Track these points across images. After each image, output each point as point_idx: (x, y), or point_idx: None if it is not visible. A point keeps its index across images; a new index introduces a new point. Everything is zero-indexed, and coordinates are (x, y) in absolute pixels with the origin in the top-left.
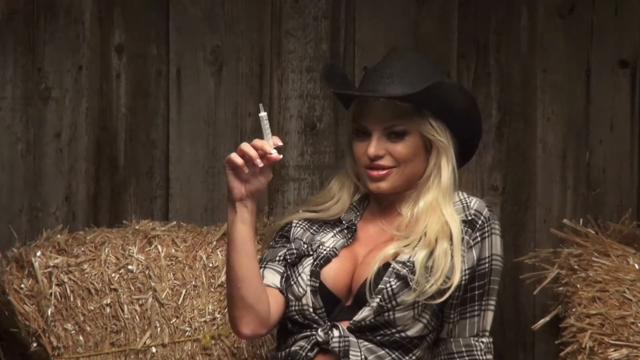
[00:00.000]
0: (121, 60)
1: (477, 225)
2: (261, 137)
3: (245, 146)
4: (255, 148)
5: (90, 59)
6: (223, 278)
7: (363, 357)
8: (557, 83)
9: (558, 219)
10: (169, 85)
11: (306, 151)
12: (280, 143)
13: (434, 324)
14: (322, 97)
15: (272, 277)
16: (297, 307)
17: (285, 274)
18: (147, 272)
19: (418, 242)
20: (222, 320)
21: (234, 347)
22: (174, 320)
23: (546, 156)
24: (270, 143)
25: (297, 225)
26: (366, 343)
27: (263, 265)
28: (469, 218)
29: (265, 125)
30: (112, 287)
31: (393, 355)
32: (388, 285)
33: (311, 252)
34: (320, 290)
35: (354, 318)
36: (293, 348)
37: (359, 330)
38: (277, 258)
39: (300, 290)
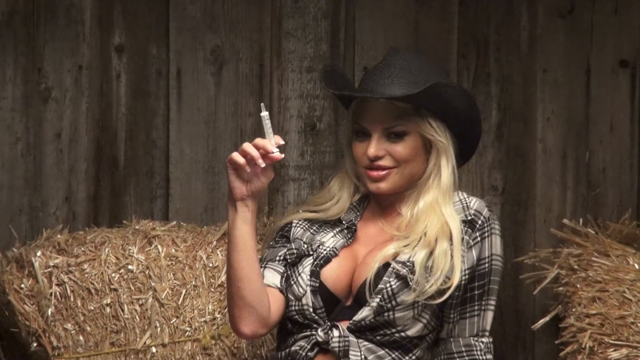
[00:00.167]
0: (121, 60)
1: (477, 225)
2: (262, 136)
3: (247, 146)
4: (257, 147)
5: (90, 59)
6: (223, 278)
7: (363, 357)
8: (557, 83)
9: (558, 219)
10: (169, 85)
11: (306, 151)
12: (282, 142)
13: (433, 324)
14: (322, 97)
15: (272, 277)
16: (297, 307)
17: (285, 274)
18: (147, 272)
19: (418, 242)
20: (222, 320)
21: (234, 347)
22: (174, 320)
23: (546, 156)
24: (272, 142)
25: (297, 225)
26: (366, 343)
27: (263, 265)
28: (469, 218)
29: (267, 124)
30: (112, 287)
31: (393, 355)
32: (388, 285)
33: (311, 252)
34: (320, 290)
35: (354, 318)
36: (293, 348)
37: (359, 330)
38: (277, 258)
39: (300, 290)
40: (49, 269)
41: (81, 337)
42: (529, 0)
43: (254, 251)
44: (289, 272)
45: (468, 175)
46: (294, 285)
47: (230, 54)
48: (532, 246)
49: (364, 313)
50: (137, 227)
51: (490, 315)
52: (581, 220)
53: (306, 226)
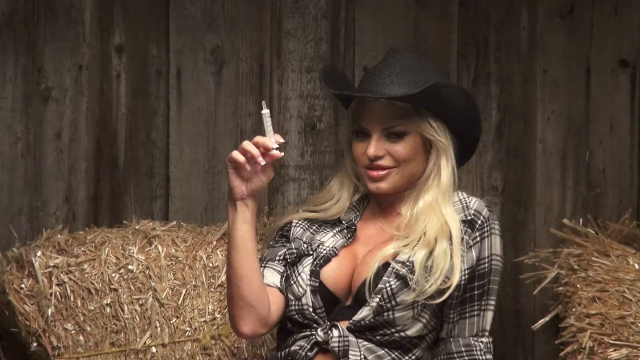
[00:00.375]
0: (121, 60)
1: (477, 225)
2: (262, 134)
3: (247, 144)
4: (257, 145)
5: (90, 59)
6: (223, 278)
7: (362, 356)
8: (557, 83)
9: (558, 219)
10: (169, 85)
11: (306, 151)
12: (281, 140)
13: (433, 324)
14: (322, 97)
15: (272, 277)
16: (297, 307)
17: (285, 274)
18: (147, 272)
19: (418, 242)
20: (222, 320)
21: (234, 347)
22: (174, 320)
23: (546, 156)
24: (272, 140)
25: (297, 225)
26: (365, 343)
27: (263, 265)
28: (469, 218)
29: (268, 122)
30: (112, 287)
31: (392, 355)
32: (387, 285)
33: (311, 252)
34: (320, 290)
35: (353, 318)
36: (293, 348)
37: (359, 330)
38: (277, 257)
39: (300, 290)
40: (49, 269)
41: (81, 337)
42: (529, 0)
43: (254, 251)
44: (288, 272)
45: (468, 175)
46: (294, 285)
47: (230, 53)
48: (532, 246)
49: (364, 313)
50: (137, 227)
51: (490, 315)
52: (581, 220)
53: (306, 226)
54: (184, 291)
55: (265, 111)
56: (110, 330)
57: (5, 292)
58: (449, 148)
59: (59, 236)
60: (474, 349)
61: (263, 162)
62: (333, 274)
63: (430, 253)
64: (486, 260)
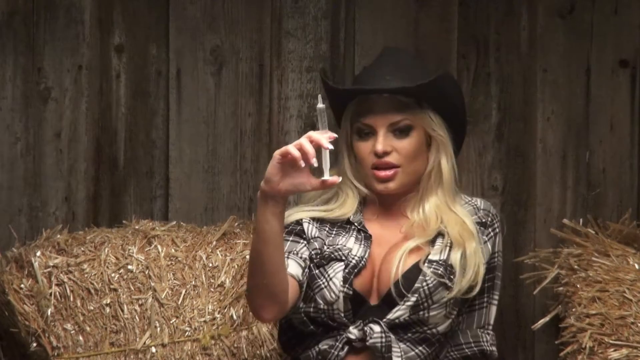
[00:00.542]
0: (121, 60)
1: (488, 222)
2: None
3: (305, 142)
4: (311, 141)
5: (90, 59)
6: (223, 278)
7: (402, 353)
8: (557, 83)
9: (558, 219)
10: (169, 85)
11: None
12: (335, 135)
13: (456, 320)
14: (322, 97)
15: (296, 268)
16: (328, 312)
17: (306, 270)
18: (147, 272)
19: (437, 238)
20: (221, 320)
21: (234, 347)
22: (173, 320)
23: (546, 156)
24: (326, 136)
25: (309, 223)
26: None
27: (285, 256)
28: (483, 220)
29: (324, 118)
30: (112, 287)
31: (416, 350)
32: (424, 284)
33: (343, 258)
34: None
35: (388, 316)
36: (322, 347)
37: (391, 328)
38: (300, 253)
39: (333, 295)
40: (49, 269)
41: (81, 337)
42: (529, 0)
43: (282, 244)
44: (315, 273)
45: (468, 175)
46: (325, 290)
47: (230, 54)
48: (532, 246)
49: (399, 312)
50: (136, 227)
51: (494, 310)
52: (581, 220)
53: (318, 226)
54: (183, 291)
55: (321, 106)
56: (110, 331)
57: (4, 292)
58: (448, 142)
59: (58, 236)
60: (481, 339)
61: (316, 164)
62: (359, 277)
63: (461, 252)
64: (496, 255)
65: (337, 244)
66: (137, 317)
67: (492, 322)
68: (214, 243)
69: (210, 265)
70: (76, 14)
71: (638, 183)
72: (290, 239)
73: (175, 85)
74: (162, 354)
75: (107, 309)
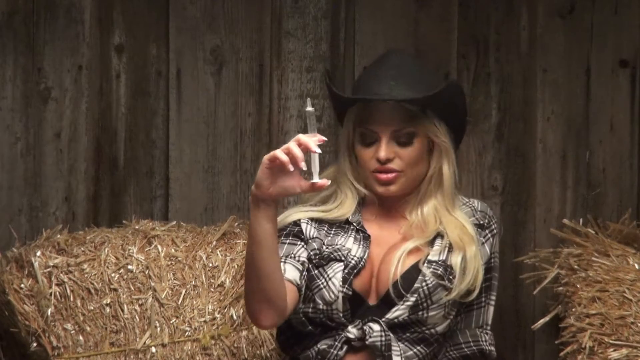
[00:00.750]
0: (121, 60)
1: (485, 224)
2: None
3: (294, 146)
4: (299, 144)
5: (90, 59)
6: (223, 278)
7: (402, 352)
8: (557, 83)
9: (558, 219)
10: (169, 85)
11: None
12: (324, 138)
13: (453, 320)
14: (322, 97)
15: (293, 273)
16: (327, 312)
17: (304, 272)
18: (147, 272)
19: (435, 239)
20: (221, 320)
21: (234, 347)
22: (173, 320)
23: (546, 156)
24: (314, 139)
25: (307, 223)
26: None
27: (283, 260)
28: (481, 222)
29: (313, 122)
30: (112, 287)
31: (414, 350)
32: (424, 284)
33: (342, 259)
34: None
35: (387, 316)
36: (321, 347)
37: (390, 328)
38: (298, 256)
39: (332, 295)
40: (49, 269)
41: (81, 337)
42: (529, 0)
43: (277, 248)
44: (314, 273)
45: (468, 175)
46: (324, 290)
47: (230, 54)
48: (532, 246)
49: (399, 311)
50: (136, 227)
51: (492, 310)
52: (581, 220)
53: (316, 226)
54: (183, 291)
55: (310, 109)
56: (110, 330)
57: (5, 292)
58: (451, 149)
59: (58, 236)
60: (480, 339)
61: (305, 168)
62: (358, 277)
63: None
64: (493, 256)
65: (336, 244)
66: (137, 317)
67: (490, 322)
68: (214, 243)
69: (210, 265)
70: (76, 14)
71: (638, 183)
72: (288, 241)
73: (175, 85)
74: (162, 354)
75: (107, 309)
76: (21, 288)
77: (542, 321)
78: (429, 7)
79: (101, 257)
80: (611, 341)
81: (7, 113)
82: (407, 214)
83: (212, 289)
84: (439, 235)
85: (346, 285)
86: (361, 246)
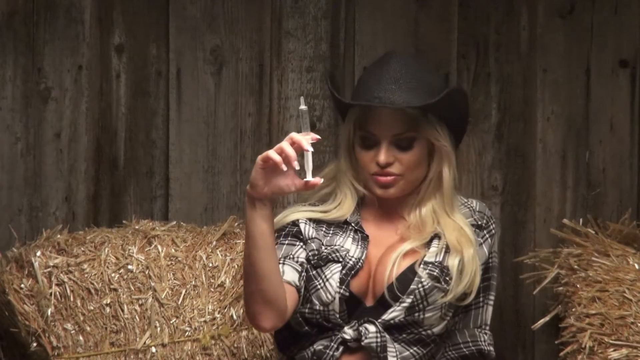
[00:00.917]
0: (121, 60)
1: (483, 225)
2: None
3: (286, 146)
4: (292, 143)
5: (90, 59)
6: (223, 278)
7: (397, 353)
8: (557, 83)
9: (558, 219)
10: (169, 85)
11: None
12: (318, 137)
13: (451, 321)
14: (322, 97)
15: (292, 274)
16: (324, 313)
17: (303, 273)
18: (147, 272)
19: (432, 240)
20: (222, 320)
21: (234, 347)
22: (173, 320)
23: (546, 156)
24: (307, 138)
25: (306, 223)
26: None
27: (281, 262)
28: (479, 222)
29: (305, 119)
30: (112, 287)
31: (411, 350)
32: (420, 285)
33: (340, 259)
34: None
35: (383, 317)
36: (317, 347)
37: (386, 329)
38: (296, 257)
39: (329, 296)
40: (49, 269)
41: (81, 337)
42: (529, 0)
43: (274, 248)
44: (312, 274)
45: (468, 175)
46: (321, 291)
47: (230, 54)
48: (532, 246)
49: (395, 313)
50: (136, 227)
51: (490, 310)
52: (581, 220)
53: (314, 226)
54: (183, 291)
55: (304, 108)
56: (110, 330)
57: (5, 292)
58: (452, 153)
59: (58, 236)
60: (479, 339)
61: (298, 167)
62: (356, 278)
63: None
64: (491, 256)
65: (335, 244)
66: (137, 317)
67: (489, 322)
68: (214, 243)
69: (210, 265)
70: (76, 14)
71: (638, 183)
72: (286, 242)
73: (175, 85)
74: (162, 354)
75: (107, 309)
76: (21, 288)
77: (542, 321)
78: (429, 7)
79: (101, 257)
80: (611, 341)
81: (7, 113)
82: (405, 214)
83: (212, 289)
84: (436, 236)
85: (343, 287)
86: (359, 247)
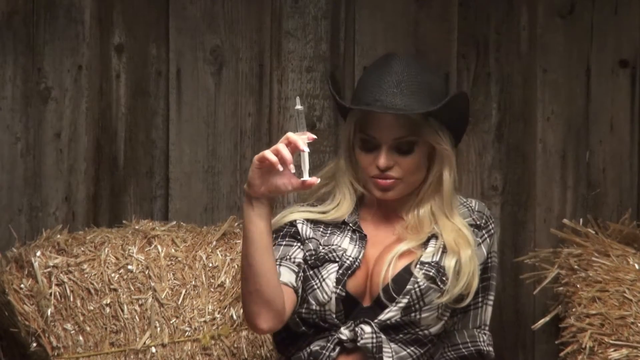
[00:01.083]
0: (121, 60)
1: (482, 225)
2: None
3: (282, 147)
4: (288, 143)
5: (90, 59)
6: (223, 278)
7: (393, 353)
8: (557, 83)
9: (558, 219)
10: (169, 85)
11: None
12: (314, 136)
13: (449, 321)
14: (321, 97)
15: (289, 275)
16: (320, 313)
17: (300, 274)
18: (146, 272)
19: (429, 240)
20: (221, 320)
21: (234, 347)
22: (173, 320)
23: (546, 156)
24: (304, 138)
25: (303, 224)
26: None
27: (278, 263)
28: (477, 222)
29: (301, 120)
30: (112, 287)
31: (408, 350)
32: (416, 285)
33: (337, 259)
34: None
35: (379, 317)
36: (314, 348)
37: (382, 329)
38: (294, 257)
39: (325, 296)
40: (49, 269)
41: (81, 337)
42: (529, 0)
43: (271, 247)
44: (309, 274)
45: (468, 175)
46: (317, 291)
47: (230, 54)
48: (532, 246)
49: (391, 313)
50: (136, 227)
51: (490, 310)
52: (581, 220)
53: (312, 226)
54: (183, 291)
55: (299, 107)
56: (110, 331)
57: (4, 292)
58: (453, 156)
59: (58, 236)
60: (478, 339)
61: (293, 170)
62: (352, 278)
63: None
64: (490, 256)
65: (332, 244)
66: (137, 317)
67: (488, 322)
68: (214, 243)
69: (210, 265)
70: (76, 14)
71: (638, 183)
72: (284, 243)
73: (175, 85)
74: (162, 354)
75: (107, 309)
76: (21, 288)
77: (542, 321)
78: (429, 7)
79: (101, 257)
80: (611, 341)
81: (7, 113)
82: (404, 215)
83: (212, 289)
84: (433, 236)
85: (339, 287)
86: (357, 246)
